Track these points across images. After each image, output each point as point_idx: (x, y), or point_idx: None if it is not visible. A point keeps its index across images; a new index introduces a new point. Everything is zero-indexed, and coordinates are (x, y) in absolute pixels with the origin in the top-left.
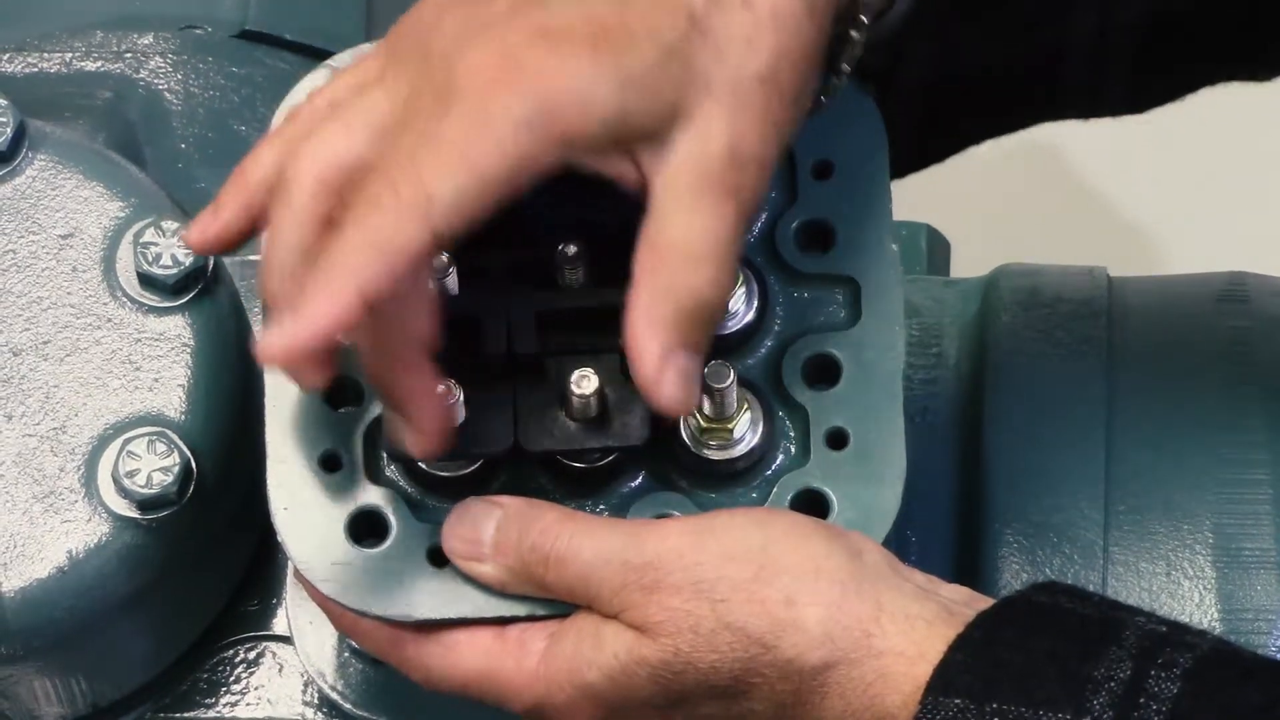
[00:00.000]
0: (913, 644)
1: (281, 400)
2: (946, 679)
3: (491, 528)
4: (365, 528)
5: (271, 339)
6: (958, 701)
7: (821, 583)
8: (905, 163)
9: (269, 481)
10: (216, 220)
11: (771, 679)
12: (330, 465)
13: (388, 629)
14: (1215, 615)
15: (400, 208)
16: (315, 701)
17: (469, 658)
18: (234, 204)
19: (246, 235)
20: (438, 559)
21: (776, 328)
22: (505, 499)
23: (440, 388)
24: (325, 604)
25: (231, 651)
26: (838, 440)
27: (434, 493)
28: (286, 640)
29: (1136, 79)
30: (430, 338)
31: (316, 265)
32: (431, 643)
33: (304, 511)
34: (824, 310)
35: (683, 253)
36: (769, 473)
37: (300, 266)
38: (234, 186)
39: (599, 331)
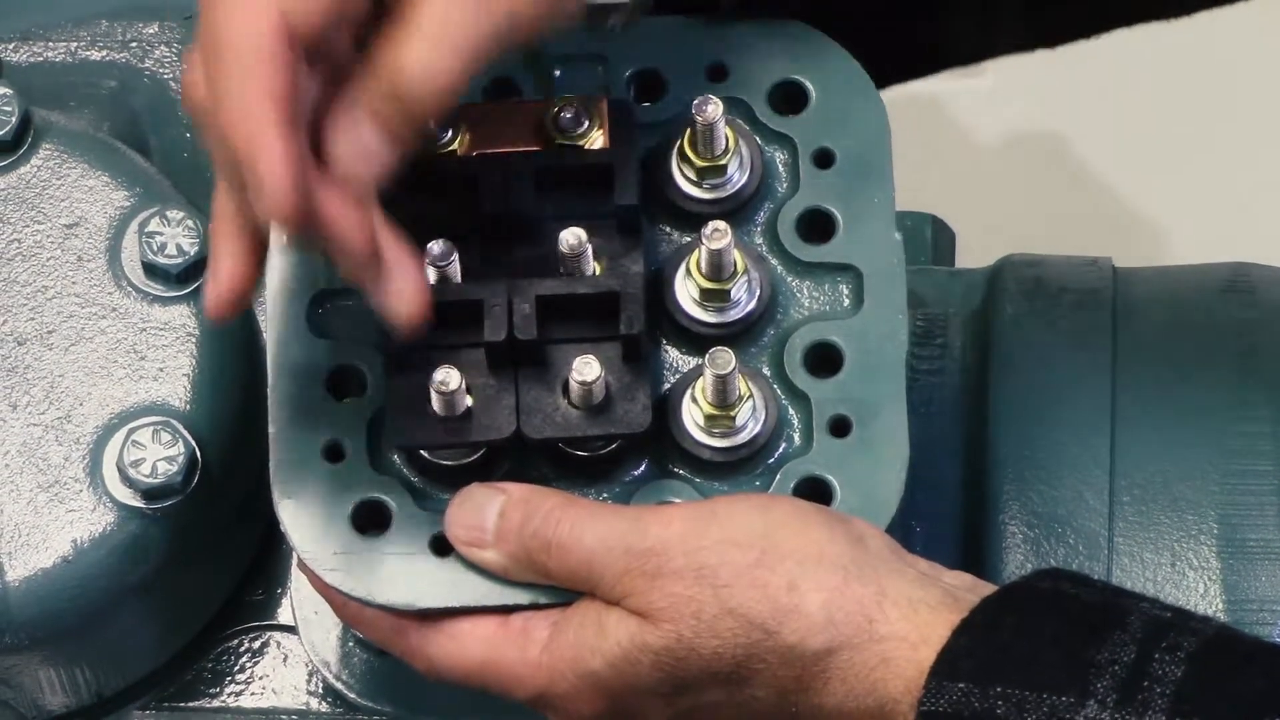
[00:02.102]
0: (915, 629)
1: (285, 390)
2: (950, 663)
3: (494, 514)
4: (368, 517)
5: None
6: (961, 685)
7: (824, 568)
8: None
9: (272, 471)
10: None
11: (774, 665)
12: (333, 455)
13: (391, 618)
14: (1220, 606)
15: None
16: (320, 691)
17: (472, 647)
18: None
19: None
20: (440, 548)
21: (779, 316)
22: (508, 485)
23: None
24: (328, 593)
25: (236, 641)
26: (840, 428)
27: (436, 482)
28: (291, 630)
29: (1030, 10)
30: (386, 176)
31: None
32: (434, 632)
33: (307, 501)
34: (827, 299)
35: (412, 31)
36: (772, 460)
37: None
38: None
39: (600, 319)
